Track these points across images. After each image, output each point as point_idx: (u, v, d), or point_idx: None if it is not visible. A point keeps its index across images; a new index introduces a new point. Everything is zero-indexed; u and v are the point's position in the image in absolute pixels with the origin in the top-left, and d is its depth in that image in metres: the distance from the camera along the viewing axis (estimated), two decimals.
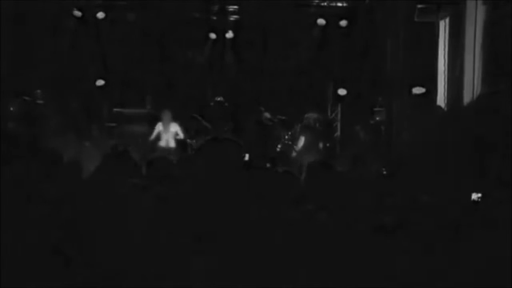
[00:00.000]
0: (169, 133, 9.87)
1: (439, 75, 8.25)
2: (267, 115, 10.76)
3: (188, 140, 10.34)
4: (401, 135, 7.92)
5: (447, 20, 8.13)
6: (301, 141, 9.37)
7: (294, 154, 9.86)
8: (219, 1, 11.90)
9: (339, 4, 11.48)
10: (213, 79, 12.22)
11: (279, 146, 10.10)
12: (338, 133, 11.44)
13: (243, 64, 12.14)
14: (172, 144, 9.89)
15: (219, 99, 11.79)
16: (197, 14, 11.96)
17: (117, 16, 11.49)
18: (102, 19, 11.36)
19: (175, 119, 10.10)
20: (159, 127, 9.87)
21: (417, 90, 7.92)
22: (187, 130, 10.28)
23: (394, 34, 8.81)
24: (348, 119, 10.85)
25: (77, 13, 11.31)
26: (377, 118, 9.91)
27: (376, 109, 10.00)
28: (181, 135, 9.95)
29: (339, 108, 11.21)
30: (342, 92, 11.22)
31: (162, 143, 9.84)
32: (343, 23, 11.14)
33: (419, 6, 7.54)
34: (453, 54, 8.03)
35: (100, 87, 11.06)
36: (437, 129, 7.29)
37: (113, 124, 10.70)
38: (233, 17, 12.16)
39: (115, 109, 10.99)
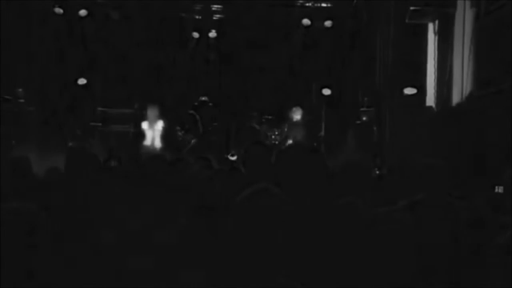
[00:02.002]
0: (155, 131, 9.59)
1: (428, 76, 8.39)
2: (254, 113, 10.80)
3: (180, 134, 10.23)
4: (393, 135, 8.02)
5: (437, 22, 8.27)
6: (289, 143, 9.38)
7: None
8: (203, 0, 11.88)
9: (324, 5, 11.57)
10: (197, 78, 12.15)
11: None
12: (322, 132, 11.50)
13: (226, 63, 12.11)
14: (158, 142, 9.62)
15: (203, 98, 11.75)
16: (180, 13, 11.89)
17: (100, 14, 11.33)
18: (85, 17, 11.20)
19: (164, 116, 9.92)
20: (144, 125, 9.54)
21: (409, 91, 8.05)
22: (182, 126, 10.13)
23: (384, 35, 8.92)
24: (333, 119, 10.93)
25: (59, 11, 11.11)
26: (364, 118, 10.00)
27: (363, 109, 10.10)
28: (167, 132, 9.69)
29: (323, 108, 11.28)
30: (326, 91, 11.30)
31: (147, 142, 9.54)
32: (328, 23, 11.25)
33: (411, 8, 7.64)
34: (442, 56, 8.18)
35: (83, 86, 10.88)
36: (430, 129, 7.41)
37: (99, 124, 10.53)
38: (216, 16, 12.14)
39: (100, 109, 10.81)
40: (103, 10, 11.35)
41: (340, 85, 10.96)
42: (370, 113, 9.87)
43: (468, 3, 7.94)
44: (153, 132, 9.40)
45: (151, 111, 9.50)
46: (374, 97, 9.34)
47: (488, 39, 6.76)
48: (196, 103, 11.61)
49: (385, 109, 8.57)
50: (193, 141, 10.57)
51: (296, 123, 9.42)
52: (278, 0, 11.61)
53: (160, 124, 9.43)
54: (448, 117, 7.18)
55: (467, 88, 7.77)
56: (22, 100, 10.02)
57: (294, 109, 9.48)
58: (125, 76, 11.33)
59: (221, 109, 11.63)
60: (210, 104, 11.73)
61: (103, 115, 10.69)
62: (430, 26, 8.57)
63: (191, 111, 11.09)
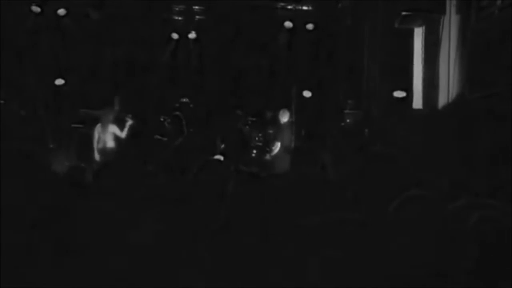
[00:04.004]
0: (106, 134, 9.43)
1: (415, 80, 8.60)
2: (239, 112, 10.82)
3: (158, 137, 10.25)
4: (384, 137, 8.18)
5: (424, 28, 8.50)
6: (277, 145, 9.43)
7: (267, 156, 9.92)
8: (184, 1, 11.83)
9: (305, 8, 11.68)
10: (178, 80, 12.07)
11: (254, 151, 10.13)
12: (302, 133, 11.57)
13: (206, 65, 12.08)
14: (111, 144, 9.52)
15: (184, 100, 11.69)
16: (161, 13, 11.79)
17: (80, 14, 11.12)
18: (64, 16, 10.98)
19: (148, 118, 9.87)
20: (97, 128, 9.44)
21: (398, 94, 8.23)
22: (165, 127, 10.13)
23: (370, 38, 9.09)
24: (315, 121, 11.04)
25: (36, 9, 10.85)
26: (348, 121, 10.15)
27: (346, 111, 10.24)
28: (121, 135, 9.61)
29: (305, 110, 11.38)
30: (307, 94, 11.41)
31: (100, 145, 9.38)
32: (310, 26, 11.37)
33: (403, 13, 7.82)
34: (429, 60, 8.41)
35: (64, 86, 10.66)
36: (422, 131, 7.61)
37: (80, 125, 10.33)
38: (197, 17, 12.09)
39: (82, 110, 10.61)
40: (82, 10, 11.14)
41: (322, 88, 11.09)
42: (354, 115, 10.03)
43: (453, 9, 8.20)
44: (104, 135, 9.35)
45: (105, 115, 9.46)
46: (363, 100, 9.50)
47: (482, 44, 6.99)
48: (177, 105, 11.56)
49: (375, 111, 8.73)
50: (176, 142, 10.51)
51: (284, 125, 9.48)
52: (260, 1, 11.64)
53: (112, 128, 9.38)
54: (441, 118, 7.38)
55: (453, 91, 8.03)
56: (2, 101, 9.75)
57: (281, 111, 9.56)
58: (105, 76, 11.17)
59: (202, 111, 11.59)
60: (191, 105, 11.70)
61: (85, 116, 10.49)
62: (416, 30, 8.79)
63: (178, 113, 11.06)
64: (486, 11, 6.96)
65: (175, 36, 12.02)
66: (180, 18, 12.04)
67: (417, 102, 8.60)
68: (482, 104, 6.91)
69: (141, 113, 10.69)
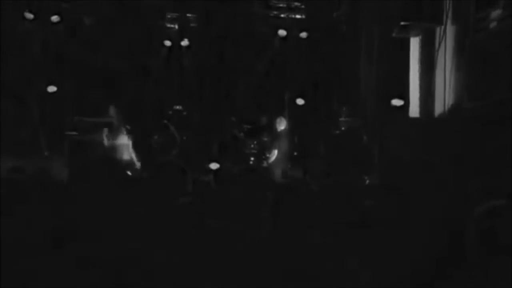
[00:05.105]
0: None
1: (411, 88, 8.73)
2: (233, 119, 10.86)
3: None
4: (381, 145, 8.29)
5: (421, 37, 8.65)
6: (274, 153, 9.48)
7: (265, 164, 9.96)
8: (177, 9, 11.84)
9: (298, 16, 11.77)
10: (171, 87, 12.04)
11: (252, 158, 10.17)
12: (296, 140, 11.63)
13: (200, 72, 12.08)
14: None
15: (178, 107, 11.67)
16: (154, 21, 11.79)
17: (73, 20, 11.05)
18: (57, 23, 10.89)
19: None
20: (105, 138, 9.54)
21: (396, 102, 8.34)
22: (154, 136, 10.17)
23: (367, 47, 9.21)
24: (310, 128, 11.11)
25: (29, 16, 10.76)
26: (343, 128, 10.23)
27: (341, 119, 10.33)
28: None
29: (300, 117, 11.44)
30: (300, 101, 11.48)
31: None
32: (304, 34, 11.45)
33: (402, 23, 7.95)
34: (425, 70, 8.55)
35: (56, 93, 10.58)
36: (418, 139, 7.72)
37: (75, 133, 10.26)
38: (191, 25, 12.10)
39: (76, 117, 10.54)
40: (76, 16, 11.07)
41: (316, 95, 11.17)
42: (350, 122, 10.12)
43: (449, 20, 8.37)
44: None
45: (107, 125, 9.52)
46: (359, 107, 9.60)
47: (481, 53, 7.14)
48: (170, 112, 11.54)
49: (373, 119, 8.84)
50: (174, 151, 10.51)
51: (280, 133, 9.54)
52: (253, 9, 11.70)
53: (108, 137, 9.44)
54: (442, 126, 7.51)
55: (450, 100, 8.18)
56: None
57: (278, 119, 9.62)
58: (98, 84, 11.10)
59: (196, 118, 11.59)
60: (185, 113, 11.68)
61: (79, 124, 10.42)
62: (412, 39, 8.94)
63: (166, 122, 11.08)
64: (485, 22, 7.12)
65: (167, 43, 12.01)
66: (173, 26, 12.04)
67: (414, 110, 8.73)
68: (480, 112, 7.06)
69: (135, 121, 10.68)
